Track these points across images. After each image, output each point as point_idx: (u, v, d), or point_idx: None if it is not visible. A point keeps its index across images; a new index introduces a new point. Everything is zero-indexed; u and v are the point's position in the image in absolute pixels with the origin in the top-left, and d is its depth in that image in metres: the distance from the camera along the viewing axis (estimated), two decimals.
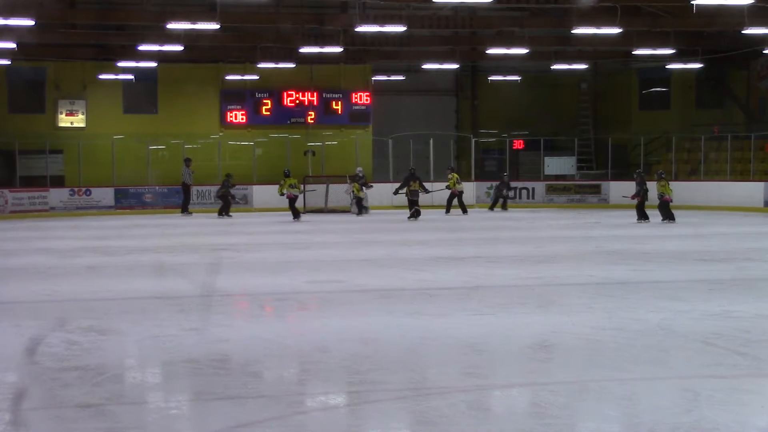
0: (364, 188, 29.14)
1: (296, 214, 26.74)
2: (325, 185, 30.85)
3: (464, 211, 28.16)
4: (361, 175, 29.67)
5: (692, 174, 33.03)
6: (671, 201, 24.23)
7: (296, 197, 27.05)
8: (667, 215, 24.09)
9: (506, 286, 12.54)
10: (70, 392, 7.04)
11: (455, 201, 28.59)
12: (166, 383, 7.72)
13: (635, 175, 25.43)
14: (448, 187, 28.67)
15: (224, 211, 28.32)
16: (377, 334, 9.12)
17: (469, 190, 33.10)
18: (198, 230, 23.33)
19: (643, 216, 24.21)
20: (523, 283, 12.69)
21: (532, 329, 9.30)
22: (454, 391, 7.03)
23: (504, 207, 31.23)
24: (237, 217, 28.18)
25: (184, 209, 29.57)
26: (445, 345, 8.67)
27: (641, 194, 24.43)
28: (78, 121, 32.95)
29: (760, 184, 29.56)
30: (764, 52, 30.94)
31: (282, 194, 26.95)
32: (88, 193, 31.25)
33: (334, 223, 25.88)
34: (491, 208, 31.27)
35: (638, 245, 18.10)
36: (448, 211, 28.04)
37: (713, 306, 10.51)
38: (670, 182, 24.88)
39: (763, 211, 28.51)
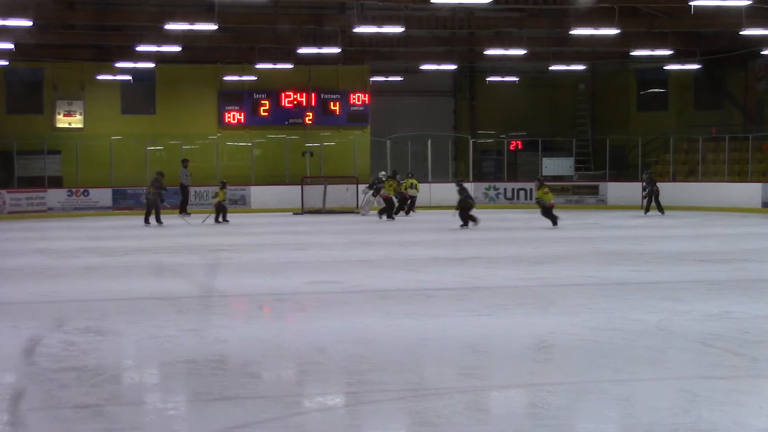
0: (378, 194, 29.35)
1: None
2: (323, 186, 30.86)
3: (405, 213, 28.12)
4: (383, 179, 29.67)
5: (690, 175, 33.04)
6: (553, 206, 22.82)
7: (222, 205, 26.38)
8: (552, 219, 22.47)
9: (505, 287, 12.54)
10: (68, 393, 7.03)
11: (406, 203, 28.69)
12: (165, 384, 7.71)
13: (456, 184, 23.76)
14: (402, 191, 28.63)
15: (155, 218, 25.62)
16: (375, 335, 9.12)
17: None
18: (196, 231, 23.32)
19: (465, 221, 22.58)
20: (522, 284, 12.70)
21: (531, 330, 9.30)
22: (452, 391, 7.03)
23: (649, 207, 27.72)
24: (235, 218, 28.10)
25: (182, 210, 29.53)
26: (444, 346, 8.67)
27: (463, 201, 22.76)
28: (76, 121, 32.92)
29: (758, 185, 29.57)
30: (762, 53, 30.96)
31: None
32: (86, 193, 31.23)
33: (333, 224, 25.87)
34: (646, 211, 27.82)
35: (637, 246, 18.11)
36: (407, 213, 28.44)
37: (711, 307, 10.51)
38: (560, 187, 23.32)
39: (761, 212, 28.51)
